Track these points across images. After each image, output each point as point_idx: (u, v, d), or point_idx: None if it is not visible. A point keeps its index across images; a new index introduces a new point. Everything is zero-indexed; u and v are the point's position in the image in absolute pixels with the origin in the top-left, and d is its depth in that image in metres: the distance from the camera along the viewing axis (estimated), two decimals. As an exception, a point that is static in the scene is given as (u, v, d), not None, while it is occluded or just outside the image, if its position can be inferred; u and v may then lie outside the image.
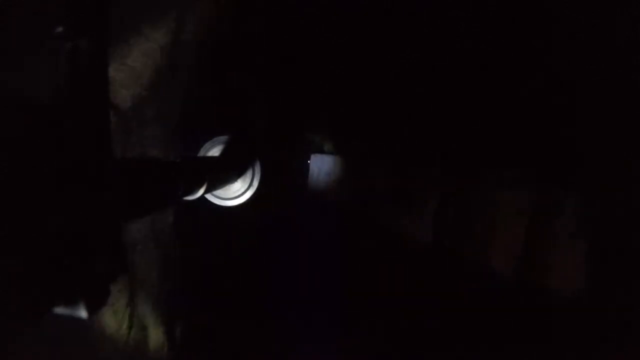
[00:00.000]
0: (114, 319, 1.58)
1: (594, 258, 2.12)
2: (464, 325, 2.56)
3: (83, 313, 0.56)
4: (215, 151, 1.60)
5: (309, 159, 5.20)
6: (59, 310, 0.56)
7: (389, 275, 3.20)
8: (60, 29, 0.57)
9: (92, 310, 0.57)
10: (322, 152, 5.11)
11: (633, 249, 1.90)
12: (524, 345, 2.28)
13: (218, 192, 1.60)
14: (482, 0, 2.25)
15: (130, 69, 1.51)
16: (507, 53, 2.35)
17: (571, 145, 2.27)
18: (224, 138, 1.61)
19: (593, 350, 2.02)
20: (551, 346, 2.23)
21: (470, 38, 2.41)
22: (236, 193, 1.66)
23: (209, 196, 1.58)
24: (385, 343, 2.70)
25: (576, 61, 2.08)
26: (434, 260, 3.06)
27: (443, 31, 2.50)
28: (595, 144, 2.14)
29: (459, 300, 2.70)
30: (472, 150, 2.86)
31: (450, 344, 2.51)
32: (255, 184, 1.67)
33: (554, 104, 2.27)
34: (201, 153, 1.61)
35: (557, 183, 2.35)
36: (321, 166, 5.02)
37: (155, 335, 1.88)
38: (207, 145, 1.61)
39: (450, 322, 2.63)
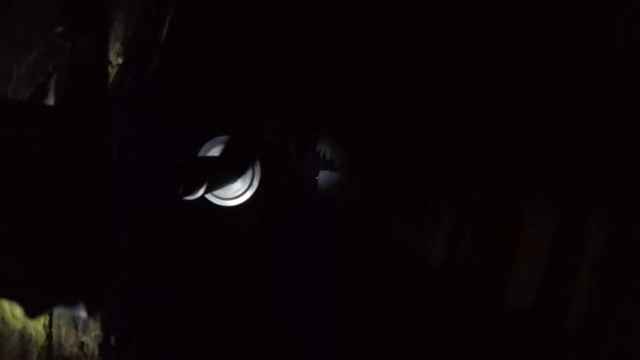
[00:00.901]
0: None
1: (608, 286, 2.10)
2: (464, 326, 2.56)
3: (83, 313, 0.57)
4: (215, 151, 1.60)
5: (317, 175, 5.17)
6: (59, 309, 0.57)
7: (390, 283, 3.19)
8: (60, 29, 0.57)
9: (92, 310, 0.57)
10: (331, 167, 5.09)
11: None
12: (525, 345, 2.27)
13: (218, 192, 1.60)
14: (482, 1, 2.25)
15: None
16: (509, 54, 2.35)
17: (597, 171, 2.23)
18: (224, 138, 1.61)
19: (593, 351, 2.01)
20: (551, 346, 2.22)
21: (471, 39, 2.40)
22: (236, 193, 1.66)
23: (209, 196, 1.58)
24: (385, 343, 2.70)
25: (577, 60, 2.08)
26: (446, 278, 3.02)
27: (444, 32, 2.50)
28: (622, 172, 2.11)
29: (459, 301, 2.69)
30: (493, 168, 2.83)
31: (450, 344, 2.51)
32: (255, 184, 1.67)
33: (580, 125, 2.24)
34: (201, 153, 1.61)
35: (584, 210, 2.31)
36: (330, 182, 5.00)
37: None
38: (207, 145, 1.61)
39: (450, 322, 2.62)
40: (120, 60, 1.51)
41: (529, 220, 2.60)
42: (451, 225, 3.20)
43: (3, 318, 1.47)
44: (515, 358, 2.27)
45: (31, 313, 0.53)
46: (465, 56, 2.54)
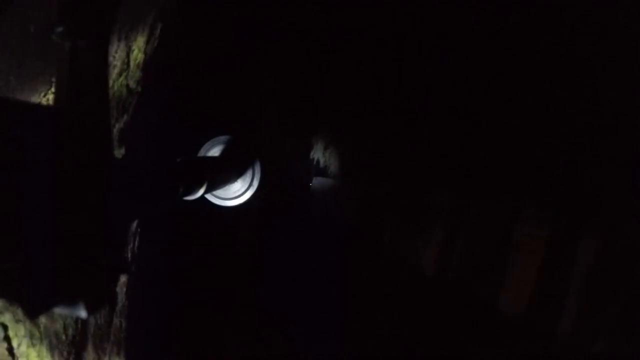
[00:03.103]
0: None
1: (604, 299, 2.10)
2: (456, 332, 2.56)
3: (83, 313, 0.57)
4: (215, 151, 1.60)
5: (311, 182, 5.15)
6: (59, 309, 0.57)
7: (384, 289, 3.18)
8: (60, 29, 0.57)
9: (92, 310, 0.57)
10: (325, 174, 5.07)
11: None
12: (517, 349, 2.28)
13: (218, 192, 1.60)
14: (482, 6, 2.25)
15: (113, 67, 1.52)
16: (504, 61, 2.35)
17: (589, 184, 2.23)
18: (224, 138, 1.61)
19: (584, 354, 2.02)
20: (543, 351, 2.22)
21: (468, 46, 2.41)
22: (236, 193, 1.66)
23: (209, 196, 1.58)
24: (381, 346, 2.70)
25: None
26: (436, 291, 3.01)
27: (449, 35, 2.49)
28: (613, 185, 2.11)
29: (452, 307, 2.69)
30: (486, 179, 2.82)
31: (442, 350, 2.51)
32: (255, 184, 1.67)
33: (573, 135, 2.25)
34: (201, 153, 1.61)
35: (575, 223, 2.31)
36: (324, 189, 4.99)
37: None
38: (207, 145, 1.61)
39: (442, 329, 2.62)
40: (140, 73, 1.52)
41: (522, 227, 2.60)
42: (444, 232, 3.20)
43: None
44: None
45: (31, 313, 0.53)
46: (461, 63, 2.54)
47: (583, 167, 2.25)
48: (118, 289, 1.62)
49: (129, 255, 1.63)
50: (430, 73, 2.80)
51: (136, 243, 1.66)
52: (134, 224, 1.65)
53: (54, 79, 1.36)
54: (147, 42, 1.54)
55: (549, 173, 2.41)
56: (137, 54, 1.55)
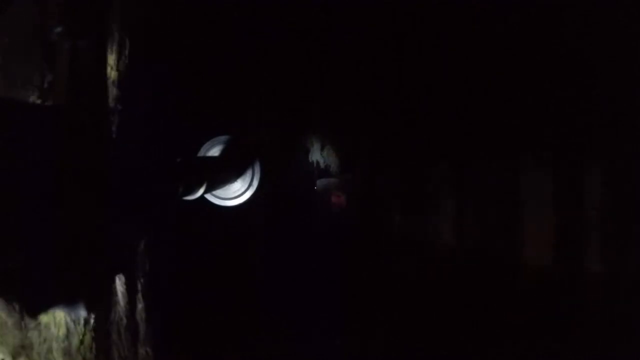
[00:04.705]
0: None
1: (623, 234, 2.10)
2: (473, 326, 2.55)
3: (83, 312, 0.57)
4: (215, 151, 1.61)
5: (315, 185, 5.16)
6: (59, 309, 0.57)
7: (398, 275, 3.18)
8: (59, 29, 0.57)
9: (92, 309, 0.57)
10: (326, 173, 5.07)
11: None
12: (546, 305, 2.27)
13: (218, 192, 1.61)
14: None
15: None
16: (509, 41, 2.35)
17: (585, 121, 2.22)
18: (224, 138, 1.61)
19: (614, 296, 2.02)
20: (573, 299, 2.22)
21: (471, 32, 2.41)
22: (236, 193, 1.66)
23: (208, 196, 1.58)
24: (394, 335, 2.70)
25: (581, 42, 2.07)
26: (457, 263, 3.00)
27: (444, 26, 2.49)
28: (610, 119, 2.11)
29: (472, 281, 2.67)
30: (483, 141, 2.81)
31: (457, 345, 2.50)
32: (255, 184, 1.67)
33: (562, 84, 2.24)
34: (201, 153, 1.61)
35: (577, 162, 2.30)
36: (327, 188, 4.99)
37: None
38: (207, 145, 1.61)
39: (457, 322, 2.61)
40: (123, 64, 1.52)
41: (527, 179, 2.59)
42: (453, 205, 3.18)
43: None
44: (536, 320, 2.26)
45: (31, 312, 0.53)
46: (461, 63, 2.54)
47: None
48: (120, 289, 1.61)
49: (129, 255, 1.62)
50: (430, 73, 2.80)
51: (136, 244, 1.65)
52: (134, 225, 1.64)
53: (53, 79, 1.36)
54: (119, 60, 1.54)
55: (543, 124, 2.41)
56: (110, 72, 1.56)
